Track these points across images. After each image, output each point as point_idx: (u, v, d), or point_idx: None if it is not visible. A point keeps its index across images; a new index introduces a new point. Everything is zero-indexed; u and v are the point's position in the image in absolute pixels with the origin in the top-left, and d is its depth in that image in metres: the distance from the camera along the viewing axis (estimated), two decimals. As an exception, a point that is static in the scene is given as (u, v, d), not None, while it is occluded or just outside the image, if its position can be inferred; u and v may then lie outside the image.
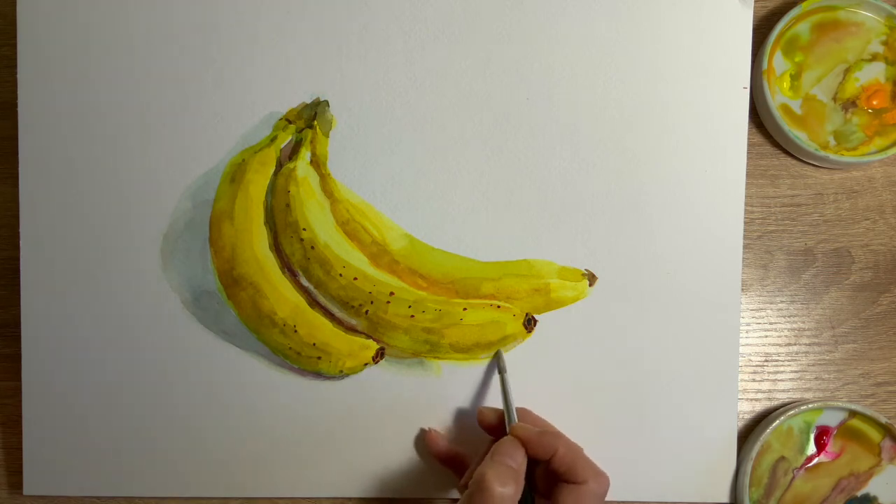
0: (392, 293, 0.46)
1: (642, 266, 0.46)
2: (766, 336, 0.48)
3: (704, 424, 0.47)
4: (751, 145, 0.48)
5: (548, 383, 0.46)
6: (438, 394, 0.47)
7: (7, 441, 0.49)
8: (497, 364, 0.46)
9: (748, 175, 0.47)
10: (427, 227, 0.47)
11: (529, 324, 0.46)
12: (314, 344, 0.46)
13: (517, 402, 0.45)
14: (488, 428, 0.45)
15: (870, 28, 0.47)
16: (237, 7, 0.47)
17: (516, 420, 0.43)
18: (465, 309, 0.46)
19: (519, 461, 0.40)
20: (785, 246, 0.48)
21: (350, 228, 0.47)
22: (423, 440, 0.47)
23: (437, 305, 0.46)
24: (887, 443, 0.46)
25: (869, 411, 0.46)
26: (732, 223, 0.47)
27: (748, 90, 0.47)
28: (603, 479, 0.40)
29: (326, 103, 0.47)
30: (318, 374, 0.47)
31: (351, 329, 0.47)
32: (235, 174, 0.47)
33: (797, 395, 0.48)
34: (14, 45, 0.47)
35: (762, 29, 0.48)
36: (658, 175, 0.46)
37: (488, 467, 0.38)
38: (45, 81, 0.47)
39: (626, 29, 0.46)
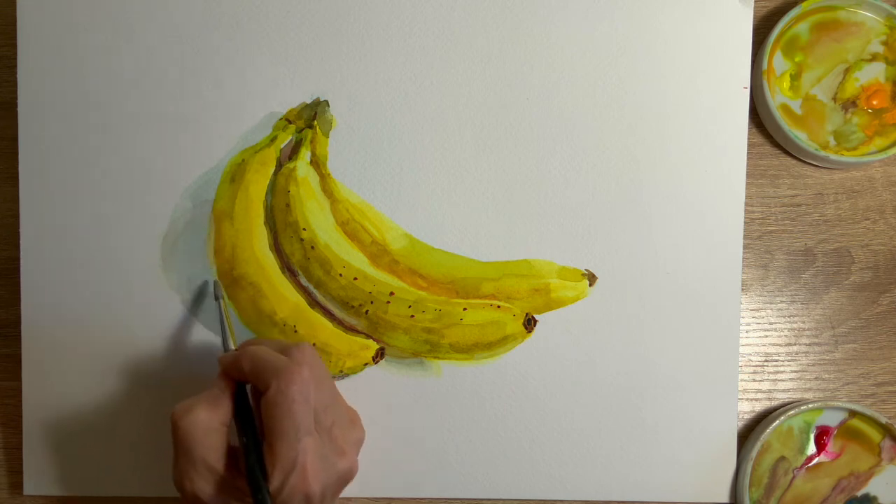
0: (392, 293, 0.46)
1: (642, 266, 0.46)
2: (766, 336, 0.48)
3: (704, 424, 0.46)
4: (751, 145, 0.48)
5: (548, 383, 0.46)
6: (438, 394, 0.47)
7: (7, 441, 0.49)
8: (214, 291, 0.46)
9: (748, 175, 0.47)
10: (427, 227, 0.47)
11: (529, 324, 0.46)
12: (314, 344, 0.46)
13: (518, 401, 0.45)
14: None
15: (870, 28, 0.47)
16: (237, 7, 0.47)
17: (232, 348, 0.43)
18: (465, 309, 0.46)
19: (222, 386, 0.40)
20: (785, 246, 0.48)
21: (350, 228, 0.47)
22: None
23: (437, 305, 0.46)
24: (887, 443, 0.46)
25: (869, 411, 0.46)
26: (732, 223, 0.47)
27: (748, 90, 0.47)
28: (286, 375, 0.37)
29: (326, 103, 0.47)
30: (318, 374, 0.47)
31: (351, 329, 0.47)
32: (235, 174, 0.47)
33: (797, 395, 0.48)
34: (14, 45, 0.47)
35: (762, 29, 0.48)
36: (658, 175, 0.46)
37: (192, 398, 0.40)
38: (45, 81, 0.47)
39: (626, 29, 0.46)
